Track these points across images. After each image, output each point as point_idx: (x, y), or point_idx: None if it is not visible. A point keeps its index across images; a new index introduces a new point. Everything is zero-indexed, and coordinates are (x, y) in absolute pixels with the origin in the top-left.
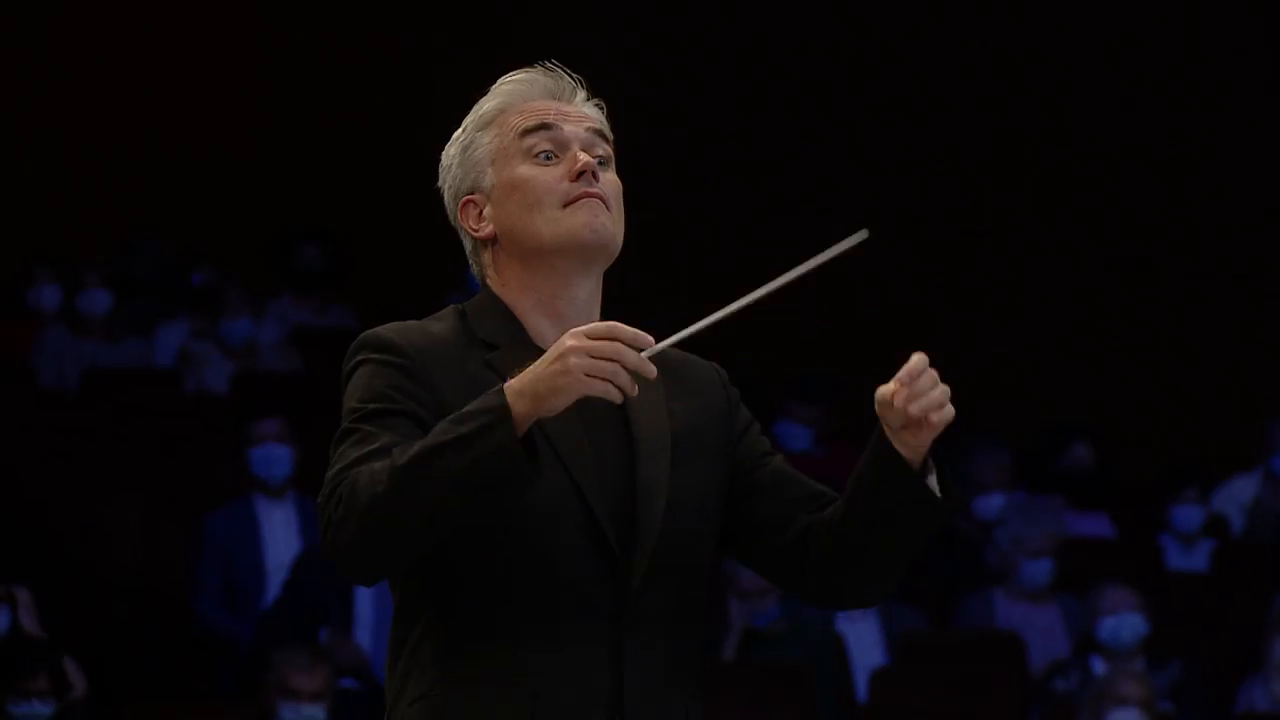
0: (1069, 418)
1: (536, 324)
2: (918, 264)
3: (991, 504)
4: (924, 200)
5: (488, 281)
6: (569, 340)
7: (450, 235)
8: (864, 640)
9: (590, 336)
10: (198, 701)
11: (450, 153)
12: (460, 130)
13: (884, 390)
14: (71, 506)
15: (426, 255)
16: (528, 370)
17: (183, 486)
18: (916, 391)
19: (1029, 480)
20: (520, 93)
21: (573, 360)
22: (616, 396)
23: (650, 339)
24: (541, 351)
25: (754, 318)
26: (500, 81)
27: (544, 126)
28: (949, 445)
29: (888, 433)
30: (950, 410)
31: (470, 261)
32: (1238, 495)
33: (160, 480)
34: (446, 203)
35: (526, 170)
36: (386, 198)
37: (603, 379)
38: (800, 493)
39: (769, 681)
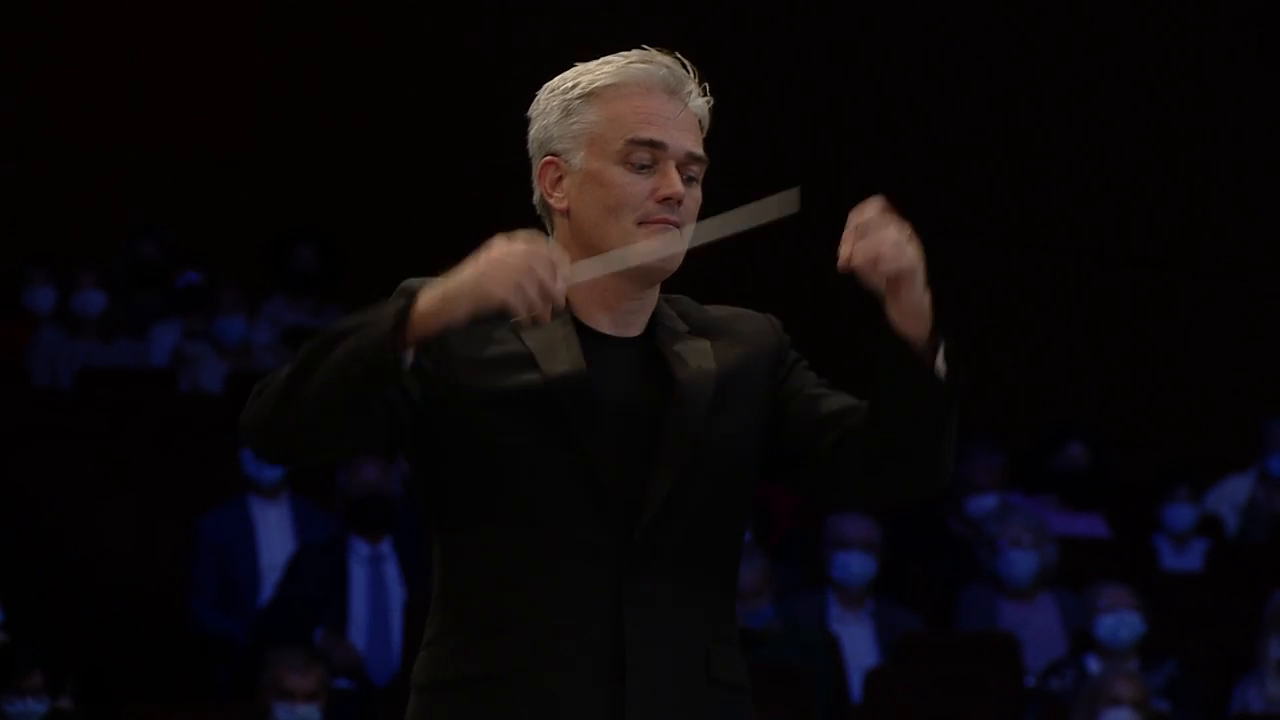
0: (1064, 418)
1: (588, 309)
2: None
3: (985, 504)
4: (916, 199)
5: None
6: (493, 249)
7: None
8: (858, 641)
9: (517, 250)
10: (193, 701)
11: (550, 101)
12: (563, 80)
13: (840, 253)
14: (66, 506)
15: (422, 256)
16: (455, 270)
17: (177, 486)
18: (869, 243)
19: (1024, 480)
20: (639, 79)
21: (485, 267)
22: (522, 310)
23: (569, 269)
24: (585, 328)
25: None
26: (619, 57)
27: (653, 144)
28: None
29: (887, 310)
30: (908, 254)
31: (537, 208)
32: (1231, 495)
33: (155, 480)
34: (531, 139)
35: (618, 175)
36: (382, 199)
37: (515, 290)
38: (835, 407)
39: (763, 682)
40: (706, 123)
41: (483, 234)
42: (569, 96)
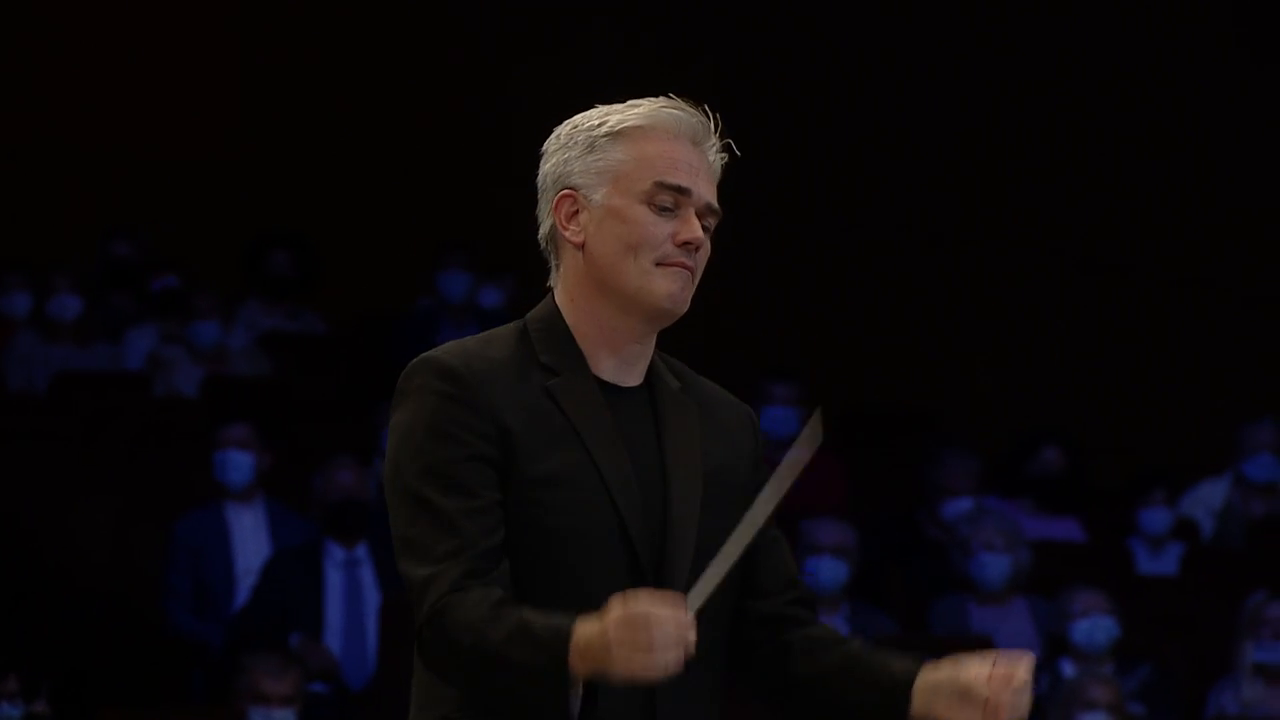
0: (1039, 423)
1: (594, 352)
2: (888, 269)
3: (960, 508)
4: (894, 206)
5: (558, 286)
6: (643, 611)
7: (419, 244)
8: None
9: (633, 623)
10: (168, 705)
11: (573, 135)
12: (588, 117)
13: (976, 670)
14: (41, 510)
15: (397, 261)
16: (600, 628)
17: (153, 490)
18: (1023, 704)
19: (999, 485)
20: (668, 125)
21: (615, 642)
22: (661, 674)
23: (689, 616)
24: (600, 381)
25: (729, 324)
26: (647, 101)
27: (679, 190)
28: (918, 449)
29: (917, 692)
30: (1025, 707)
31: (543, 243)
32: (1207, 499)
33: (130, 484)
34: (545, 172)
35: (642, 214)
36: (357, 204)
37: (642, 664)
38: (785, 571)
39: (736, 686)
40: (718, 177)
41: (458, 239)
42: (596, 133)
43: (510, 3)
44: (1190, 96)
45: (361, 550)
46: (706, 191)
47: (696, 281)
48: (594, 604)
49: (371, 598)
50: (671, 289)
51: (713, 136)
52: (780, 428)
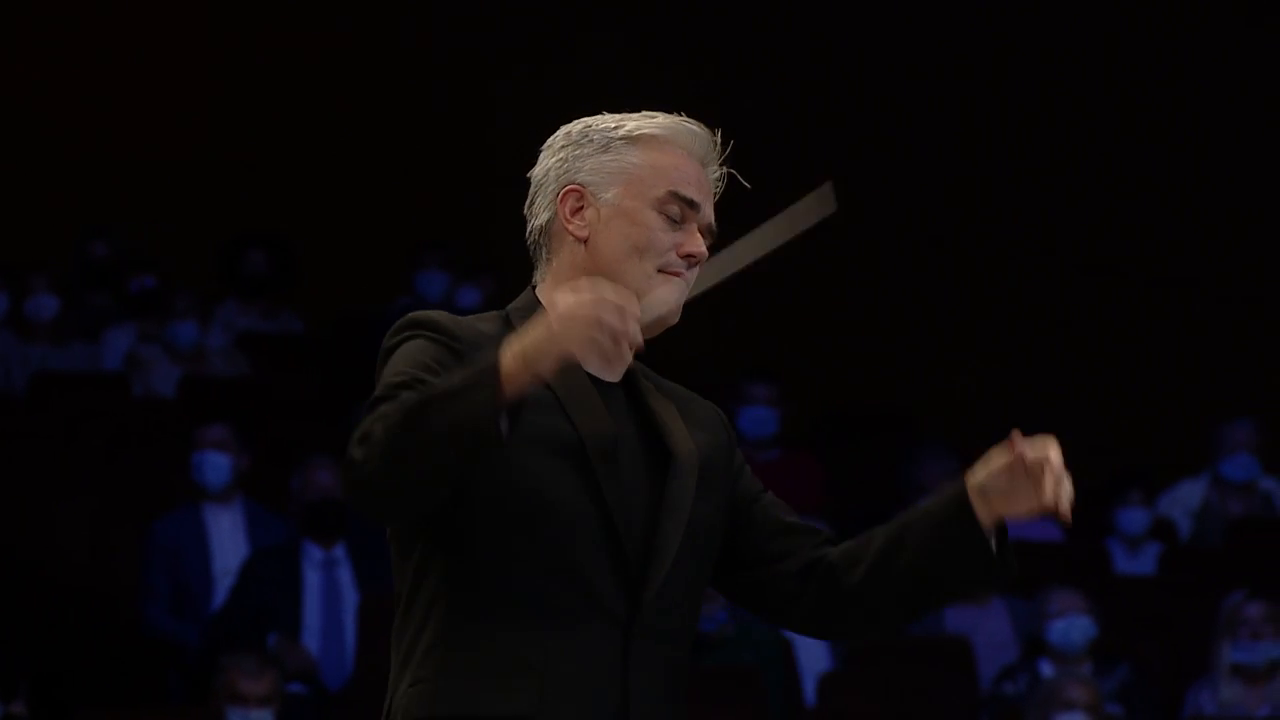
0: (1015, 422)
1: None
2: (867, 268)
3: None
4: (874, 208)
5: (543, 281)
6: (568, 297)
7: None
8: (812, 645)
9: (585, 300)
10: (145, 706)
11: (586, 134)
12: (602, 120)
13: (1008, 456)
14: (19, 510)
15: (375, 261)
16: (526, 328)
17: (130, 491)
18: (1068, 488)
19: None
20: (685, 141)
21: (564, 320)
22: (603, 363)
23: (638, 309)
24: (576, 372)
25: (707, 325)
26: (662, 114)
27: (690, 203)
28: (896, 449)
29: (972, 495)
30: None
31: (533, 235)
32: (1184, 499)
33: (108, 484)
34: (549, 167)
35: (653, 219)
36: (333, 204)
37: (589, 343)
38: (800, 527)
39: (717, 685)
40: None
41: (433, 238)
42: (612, 135)
43: (490, 8)
44: (1177, 99)
45: (340, 550)
46: (709, 211)
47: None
48: (570, 568)
49: (350, 598)
50: (669, 298)
51: (717, 160)
52: (759, 428)
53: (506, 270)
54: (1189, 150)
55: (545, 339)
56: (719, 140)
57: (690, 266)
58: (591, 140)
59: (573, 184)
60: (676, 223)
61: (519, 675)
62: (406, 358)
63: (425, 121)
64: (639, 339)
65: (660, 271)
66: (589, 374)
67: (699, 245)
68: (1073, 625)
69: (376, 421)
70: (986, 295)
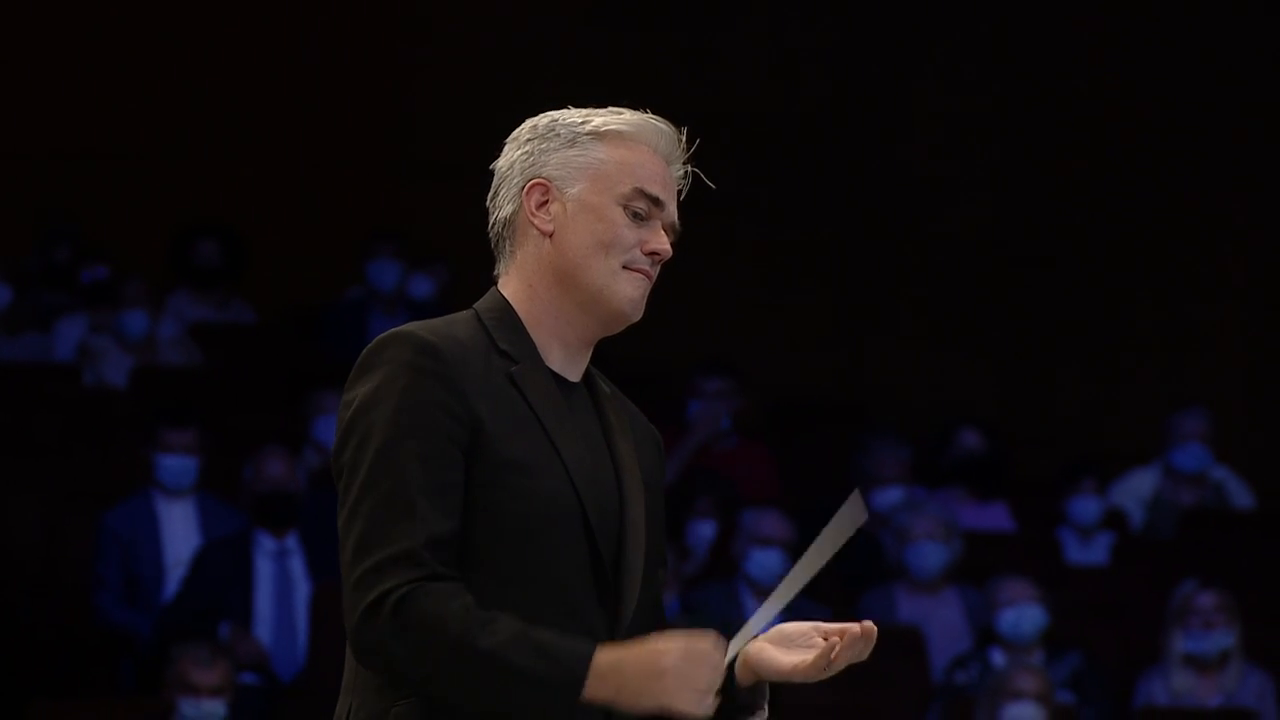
0: (966, 411)
1: (546, 343)
2: (819, 259)
3: (890, 497)
4: (823, 197)
5: (509, 275)
6: (675, 654)
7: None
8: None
9: (694, 657)
10: (97, 697)
11: (552, 128)
12: (568, 114)
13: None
14: None
15: (326, 251)
16: (623, 656)
17: (82, 481)
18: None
19: (925, 474)
20: (651, 138)
21: (672, 680)
22: (700, 715)
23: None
24: (551, 373)
25: (661, 317)
26: (629, 111)
27: (656, 201)
28: (849, 440)
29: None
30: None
31: (495, 228)
32: (1136, 489)
33: (59, 475)
34: (514, 160)
35: (618, 215)
36: (284, 194)
37: (697, 703)
38: (653, 596)
39: None
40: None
41: (385, 227)
42: (579, 130)
43: None
44: (1115, 88)
45: (292, 540)
46: (673, 209)
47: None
48: (557, 591)
49: (302, 588)
50: (633, 294)
51: (682, 159)
52: (711, 421)
53: (459, 259)
54: (1141, 142)
55: (654, 689)
56: (684, 139)
57: (654, 264)
58: (558, 134)
59: (538, 178)
60: (642, 219)
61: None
62: (398, 397)
63: (376, 111)
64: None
65: (625, 268)
66: (553, 371)
67: (663, 243)
68: (1022, 615)
69: (413, 610)
70: (937, 286)
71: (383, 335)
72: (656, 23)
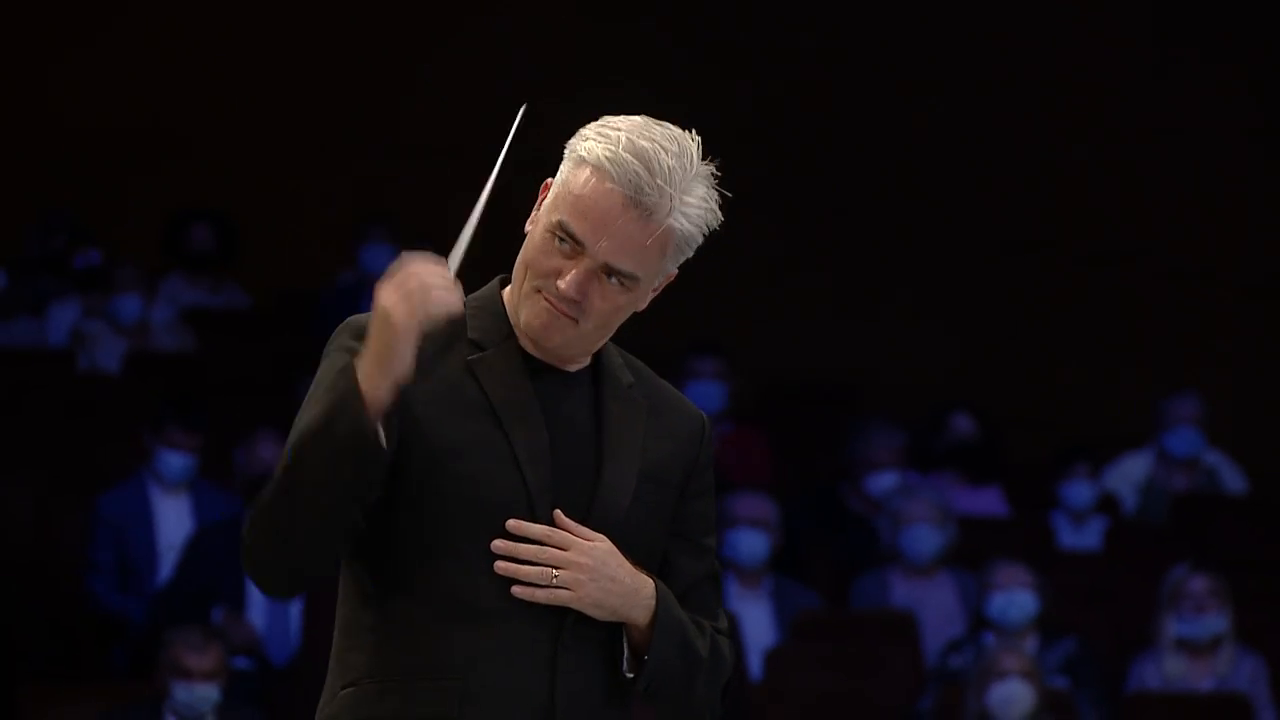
0: (960, 395)
1: (523, 333)
2: (813, 243)
3: (884, 482)
4: (815, 181)
5: (511, 274)
6: (387, 289)
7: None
8: (757, 619)
9: (407, 275)
10: (91, 681)
11: (578, 136)
12: (591, 128)
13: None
14: None
15: (320, 235)
16: (371, 318)
17: (76, 466)
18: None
19: (918, 459)
20: (609, 172)
21: (386, 308)
22: (445, 312)
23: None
24: (528, 356)
25: (653, 299)
26: (626, 135)
27: (574, 240)
28: (843, 424)
29: None
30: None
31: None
32: (1129, 473)
33: (53, 459)
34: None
35: (545, 240)
36: (277, 179)
37: (419, 305)
38: (692, 602)
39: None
40: (677, 241)
41: (377, 211)
42: (575, 146)
43: None
44: (1107, 77)
45: None
46: (610, 253)
47: (590, 332)
48: (496, 577)
49: None
50: (533, 321)
51: (662, 200)
52: (705, 403)
53: (452, 243)
54: (1132, 127)
55: (382, 330)
56: (670, 188)
57: (562, 299)
58: (570, 152)
59: (550, 178)
60: (567, 253)
61: (441, 677)
62: (321, 376)
63: (369, 97)
64: (460, 296)
65: (538, 292)
66: (546, 364)
67: (569, 285)
68: (1011, 601)
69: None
70: (931, 271)
71: (343, 322)
72: (653, 8)
